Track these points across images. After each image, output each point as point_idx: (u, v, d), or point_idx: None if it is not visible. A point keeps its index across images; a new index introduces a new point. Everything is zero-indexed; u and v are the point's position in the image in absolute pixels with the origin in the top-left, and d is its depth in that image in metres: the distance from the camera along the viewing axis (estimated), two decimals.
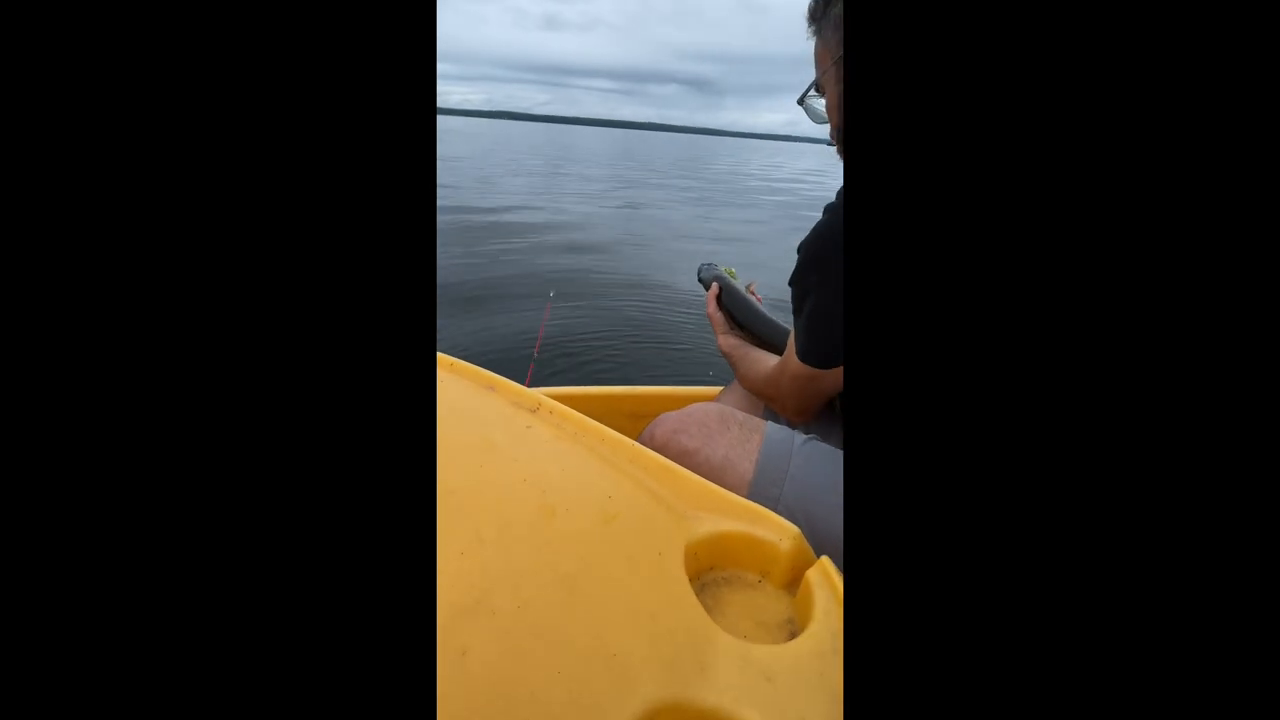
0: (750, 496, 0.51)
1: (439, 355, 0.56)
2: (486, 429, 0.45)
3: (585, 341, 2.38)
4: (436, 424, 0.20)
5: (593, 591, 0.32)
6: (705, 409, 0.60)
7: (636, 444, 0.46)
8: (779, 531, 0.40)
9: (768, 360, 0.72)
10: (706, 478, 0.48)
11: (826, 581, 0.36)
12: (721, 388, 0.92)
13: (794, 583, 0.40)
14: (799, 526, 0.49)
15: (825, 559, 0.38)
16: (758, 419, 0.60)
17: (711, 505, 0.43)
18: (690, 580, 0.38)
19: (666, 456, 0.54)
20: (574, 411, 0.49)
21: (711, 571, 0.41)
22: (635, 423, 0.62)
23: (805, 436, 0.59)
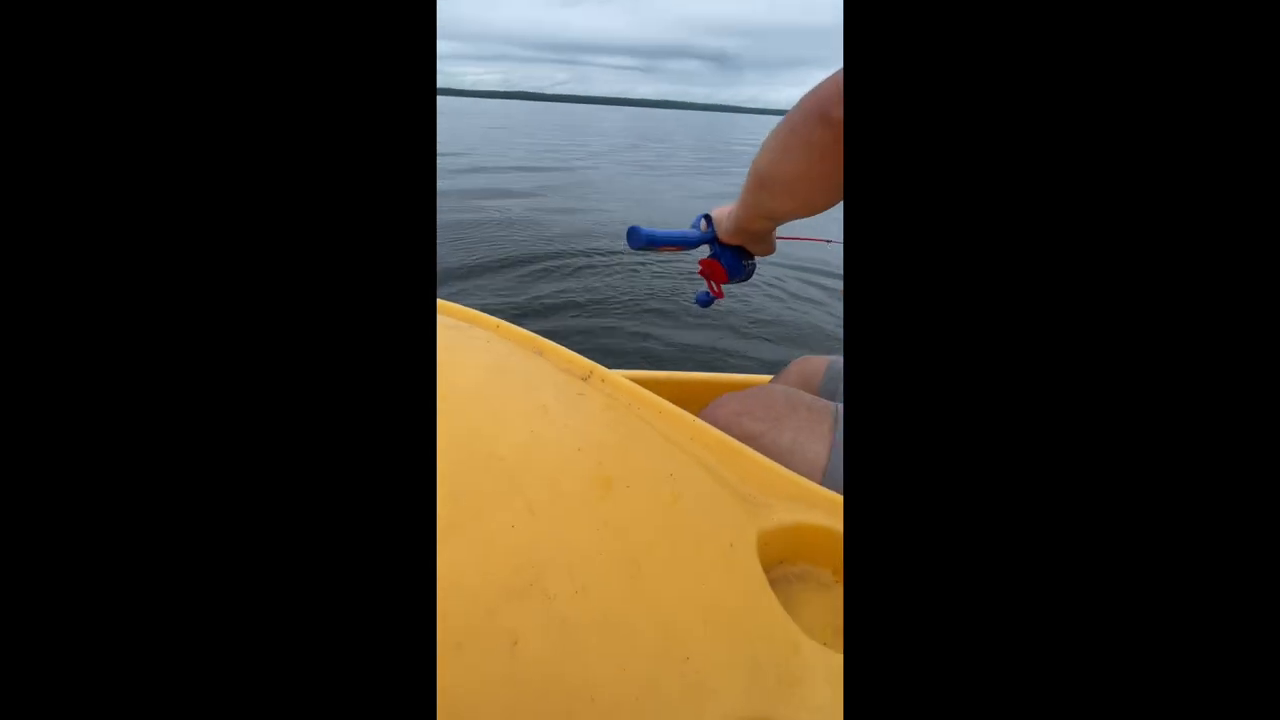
0: (825, 483, 0.45)
1: (482, 315, 0.52)
2: (535, 393, 0.40)
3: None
4: (436, 393, 0.18)
5: (659, 581, 0.27)
6: (770, 390, 0.55)
7: (698, 420, 0.41)
8: None
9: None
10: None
11: None
12: (771, 377, 0.86)
13: None
14: None
15: None
16: (826, 402, 0.55)
17: (783, 492, 0.38)
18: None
19: None
20: (628, 381, 0.44)
21: (781, 566, 0.36)
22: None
23: None
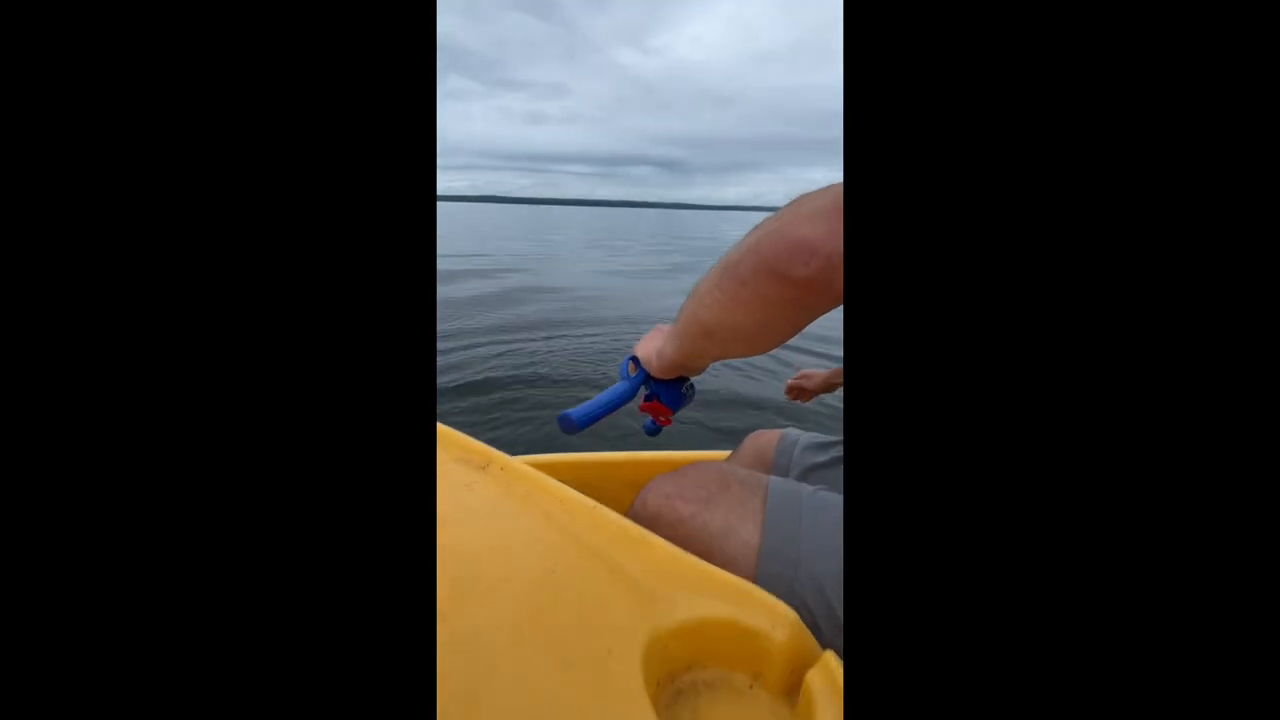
0: (761, 564, 0.41)
1: None
2: None
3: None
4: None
5: (499, 703, 0.23)
6: (704, 468, 0.52)
7: (600, 507, 0.39)
8: (771, 618, 0.31)
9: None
10: (706, 547, 0.39)
11: (831, 686, 0.27)
12: (729, 452, 0.83)
13: (795, 687, 0.30)
14: (823, 595, 0.39)
15: (829, 654, 0.28)
16: (760, 475, 0.52)
17: (691, 583, 0.34)
18: (660, 685, 0.29)
19: (660, 524, 0.45)
20: (531, 469, 0.42)
21: (690, 672, 0.31)
22: (635, 491, 0.53)
23: (812, 488, 0.50)
